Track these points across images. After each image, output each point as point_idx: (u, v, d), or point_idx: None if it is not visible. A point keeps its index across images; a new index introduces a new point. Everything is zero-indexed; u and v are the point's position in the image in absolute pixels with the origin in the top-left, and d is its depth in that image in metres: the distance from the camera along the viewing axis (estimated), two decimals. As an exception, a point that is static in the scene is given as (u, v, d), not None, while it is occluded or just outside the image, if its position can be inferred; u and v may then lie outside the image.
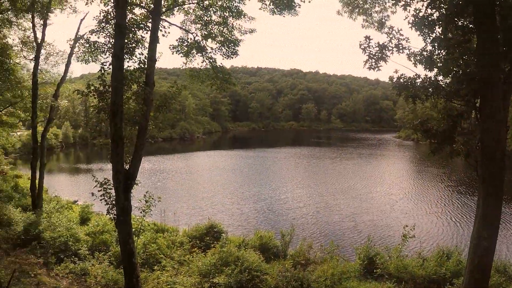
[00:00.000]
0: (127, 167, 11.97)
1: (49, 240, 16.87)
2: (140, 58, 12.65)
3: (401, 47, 11.45)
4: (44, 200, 24.26)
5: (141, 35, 13.36)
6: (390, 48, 11.50)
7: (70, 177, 52.59)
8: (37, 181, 22.98)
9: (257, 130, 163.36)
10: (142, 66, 12.56)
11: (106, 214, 12.40)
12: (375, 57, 11.56)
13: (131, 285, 12.13)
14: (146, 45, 13.44)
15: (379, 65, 11.62)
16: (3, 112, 28.71)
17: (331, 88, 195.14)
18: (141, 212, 14.65)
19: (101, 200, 12.25)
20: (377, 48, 11.50)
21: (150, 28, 13.23)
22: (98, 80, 11.84)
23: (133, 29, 13.18)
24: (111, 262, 16.16)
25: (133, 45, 12.92)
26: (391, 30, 11.53)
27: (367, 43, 11.48)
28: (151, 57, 12.62)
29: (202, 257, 16.94)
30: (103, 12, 14.79)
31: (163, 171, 52.04)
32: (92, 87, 11.85)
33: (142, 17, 14.74)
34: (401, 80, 11.61)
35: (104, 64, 11.91)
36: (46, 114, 26.66)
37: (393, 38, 11.50)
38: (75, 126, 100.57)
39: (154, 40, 12.97)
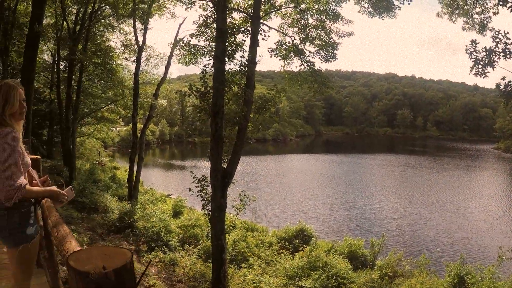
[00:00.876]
0: (225, 166, 12.37)
1: (141, 229, 17.67)
2: (241, 60, 13.04)
3: (508, 52, 10.48)
4: (139, 192, 25.46)
5: (242, 39, 13.77)
6: (497, 53, 10.59)
7: (164, 172, 54.87)
8: (134, 173, 24.19)
9: (350, 135, 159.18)
10: (243, 68, 12.92)
11: (201, 210, 12.88)
12: (481, 63, 10.71)
13: (218, 279, 12.48)
14: (245, 48, 13.84)
15: (486, 71, 10.71)
16: (105, 109, 30.66)
17: (428, 94, 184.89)
18: (234, 210, 15.02)
19: (197, 195, 12.75)
20: (484, 53, 10.63)
21: (250, 32, 13.60)
22: (199, 81, 12.30)
23: (233, 33, 13.60)
24: (200, 255, 16.66)
25: (234, 48, 13.33)
26: (497, 33, 10.61)
27: (473, 47, 10.69)
28: (252, 60, 12.95)
29: (289, 259, 16.99)
30: (202, 17, 15.34)
31: (255, 171, 52.13)
32: (194, 88, 12.36)
33: (241, 21, 15.20)
34: (509, 88, 10.88)
35: (206, 66, 12.38)
36: (145, 112, 28.20)
37: (499, 42, 10.60)
38: (171, 124, 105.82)
39: (254, 43, 13.29)
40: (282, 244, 19.13)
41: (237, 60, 13.16)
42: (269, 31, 14.86)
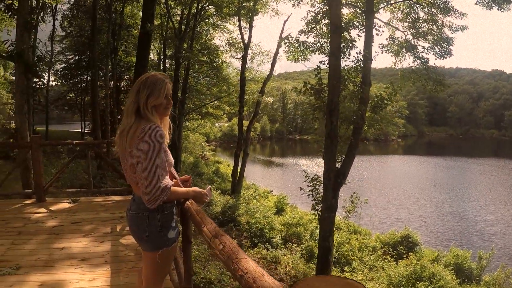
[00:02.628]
0: (338, 165, 12.05)
1: (244, 224, 17.84)
2: (357, 57, 12.60)
3: None
4: (242, 187, 25.88)
5: (357, 34, 13.32)
6: None
7: (265, 168, 55.24)
8: (238, 168, 24.57)
9: (454, 137, 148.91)
10: (359, 65, 12.49)
11: (311, 210, 12.65)
12: None
13: (323, 281, 12.18)
14: (358, 44, 13.39)
15: None
16: (209, 105, 31.50)
17: None
18: (344, 212, 14.63)
19: (308, 195, 12.53)
20: None
21: (364, 27, 13.14)
22: (314, 78, 12.07)
23: (347, 28, 13.19)
24: (302, 255, 16.49)
25: (349, 44, 12.92)
26: None
27: None
28: (367, 56, 12.49)
29: (393, 266, 16.36)
30: (310, 13, 15.07)
31: (356, 172, 49.14)
32: (309, 85, 12.14)
33: (351, 16, 14.75)
34: None
35: (322, 62, 12.11)
36: (249, 109, 28.65)
37: None
38: (272, 121, 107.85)
39: (369, 39, 12.85)
40: (386, 250, 18.43)
41: (353, 56, 12.72)
42: (384, 26, 14.26)
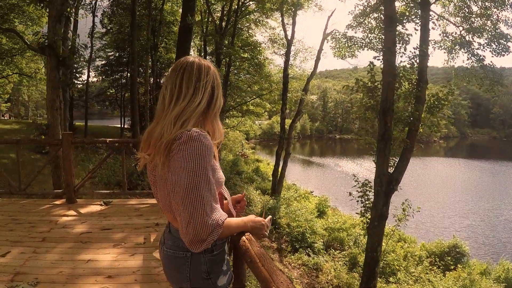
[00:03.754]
0: (390, 170, 11.15)
1: (285, 227, 17.16)
2: (414, 52, 11.62)
3: None
4: (283, 187, 25.19)
5: (414, 27, 12.26)
6: None
7: (305, 167, 54.37)
8: (279, 168, 23.92)
9: (497, 139, 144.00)
10: (414, 62, 11.52)
11: (360, 217, 11.83)
12: None
13: (367, 294, 11.43)
14: (412, 40, 12.39)
15: None
16: (250, 102, 30.99)
17: None
18: (395, 221, 13.63)
19: (357, 201, 11.71)
20: None
21: (419, 20, 12.13)
22: (367, 75, 11.23)
23: (401, 21, 12.19)
24: (345, 262, 15.68)
25: (404, 38, 11.95)
26: None
27: None
28: (424, 51, 11.48)
29: (440, 277, 15.35)
30: (358, 7, 14.33)
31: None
32: (361, 83, 11.28)
33: (404, 9, 13.78)
34: None
35: (377, 58, 11.23)
36: (291, 107, 27.94)
37: None
38: (313, 119, 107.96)
39: (425, 33, 11.86)
40: (432, 260, 17.38)
41: (409, 52, 11.75)
42: (440, 19, 13.22)
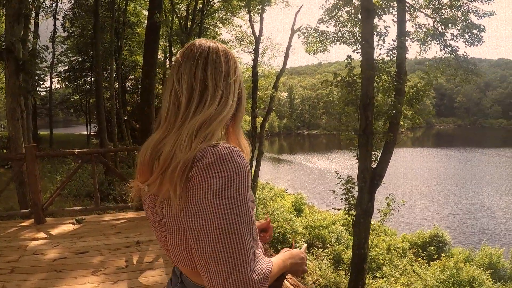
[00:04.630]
0: (374, 165, 10.90)
1: (265, 229, 16.81)
2: (392, 44, 11.38)
3: None
4: (257, 187, 24.84)
5: (393, 20, 12.06)
6: None
7: (276, 165, 54.23)
8: (253, 168, 23.54)
9: (462, 127, 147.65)
10: (392, 54, 11.28)
11: (345, 215, 11.56)
12: None
13: (356, 292, 11.20)
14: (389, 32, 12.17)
15: None
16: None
17: None
18: (380, 216, 13.41)
19: (341, 198, 11.42)
20: None
21: (396, 12, 11.94)
22: (344, 69, 10.96)
23: (379, 13, 11.97)
24: (329, 260, 15.47)
25: (381, 30, 11.71)
26: None
27: None
28: (401, 44, 11.26)
29: (425, 268, 15.32)
30: (329, 0, 14.16)
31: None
32: (339, 77, 10.98)
33: (379, 1, 13.61)
34: None
35: (356, 51, 10.97)
36: (260, 105, 27.61)
37: None
38: (280, 117, 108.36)
39: (402, 25, 11.65)
40: (415, 251, 17.37)
41: (388, 44, 11.49)
42: (415, 11, 13.09)
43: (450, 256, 16.37)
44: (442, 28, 14.21)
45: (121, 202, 12.74)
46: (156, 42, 13.79)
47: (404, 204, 13.45)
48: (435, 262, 15.78)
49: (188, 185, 1.22)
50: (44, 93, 34.75)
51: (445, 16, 14.21)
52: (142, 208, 6.20)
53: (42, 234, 6.41)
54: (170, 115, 1.37)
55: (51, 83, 32.27)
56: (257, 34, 23.79)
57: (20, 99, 9.23)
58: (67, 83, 36.47)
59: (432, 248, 17.34)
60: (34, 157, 6.93)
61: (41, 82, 27.46)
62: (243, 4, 22.88)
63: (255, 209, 1.40)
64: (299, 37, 17.68)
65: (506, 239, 22.99)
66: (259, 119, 26.83)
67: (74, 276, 4.79)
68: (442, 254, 16.41)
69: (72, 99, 37.66)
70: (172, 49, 27.60)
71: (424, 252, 17.18)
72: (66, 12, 30.95)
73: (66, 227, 6.72)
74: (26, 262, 5.28)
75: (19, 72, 8.74)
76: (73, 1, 28.54)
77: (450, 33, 14.06)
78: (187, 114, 1.32)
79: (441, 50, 14.21)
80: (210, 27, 27.39)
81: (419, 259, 16.60)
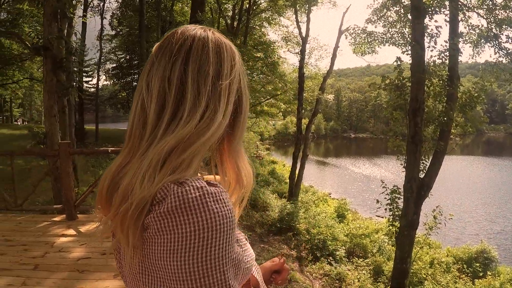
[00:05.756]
0: (421, 175, 10.29)
1: (304, 233, 16.36)
2: (445, 46, 10.71)
3: None
4: (300, 190, 24.41)
5: (445, 19, 11.39)
6: None
7: (321, 168, 53.40)
8: (297, 170, 23.17)
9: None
10: (444, 56, 10.62)
11: (389, 226, 10.98)
12: None
13: (396, 307, 10.62)
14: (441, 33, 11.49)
15: None
16: (264, 103, 30.45)
17: None
18: (426, 229, 12.72)
19: (385, 209, 10.85)
20: None
21: (448, 11, 11.26)
22: (394, 72, 10.40)
23: (431, 13, 11.33)
24: (369, 271, 14.83)
25: (433, 31, 11.07)
26: None
27: None
28: (454, 45, 10.59)
29: (470, 286, 14.50)
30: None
31: None
32: (388, 80, 10.42)
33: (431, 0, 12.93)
34: None
35: (406, 53, 10.41)
36: (306, 106, 27.27)
37: None
38: (327, 119, 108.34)
39: (454, 26, 10.99)
40: (460, 267, 16.50)
41: (440, 45, 10.85)
42: (469, 11, 12.34)
43: (497, 275, 15.45)
44: (496, 30, 13.36)
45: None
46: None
47: (452, 218, 12.70)
48: (480, 280, 14.90)
49: (144, 235, 0.87)
50: (93, 89, 35.70)
51: (500, 17, 13.37)
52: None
53: (71, 231, 6.32)
54: (134, 133, 0.99)
55: (98, 79, 33.06)
56: (303, 34, 23.55)
57: (56, 96, 9.22)
58: (115, 80, 37.27)
59: (478, 264, 16.37)
60: (67, 154, 6.88)
61: (83, 79, 28.07)
62: (289, 4, 22.62)
63: (242, 261, 1.00)
64: (346, 38, 17.27)
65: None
66: (305, 121, 26.50)
67: (96, 278, 4.63)
68: (488, 272, 15.51)
69: (120, 96, 38.41)
70: (219, 48, 27.62)
71: (469, 269, 16.23)
72: (114, 12, 31.67)
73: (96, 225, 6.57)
74: (51, 259, 5.19)
75: (56, 69, 8.69)
76: (120, 0, 29.08)
77: (505, 35, 13.19)
78: (155, 133, 0.94)
79: (495, 53, 13.35)
80: (257, 27, 27.18)
81: (464, 275, 15.70)
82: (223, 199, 0.87)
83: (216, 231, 0.83)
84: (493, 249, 17.76)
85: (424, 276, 14.82)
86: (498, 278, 14.74)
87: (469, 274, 15.92)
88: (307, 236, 16.11)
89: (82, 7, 22.19)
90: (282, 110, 33.46)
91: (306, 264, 14.71)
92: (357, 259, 15.59)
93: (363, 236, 17.24)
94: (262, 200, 18.76)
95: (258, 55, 25.02)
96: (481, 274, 15.45)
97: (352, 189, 36.50)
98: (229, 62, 1.03)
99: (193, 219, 0.82)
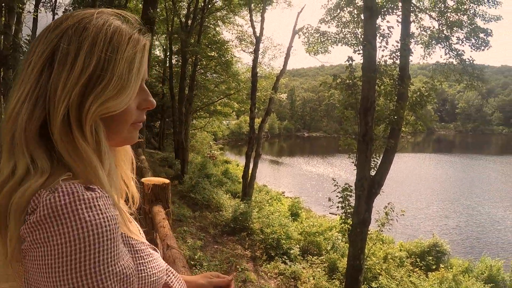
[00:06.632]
0: (372, 172, 10.43)
1: (259, 232, 16.34)
2: (396, 46, 10.91)
3: None
4: (254, 189, 24.36)
5: (397, 20, 11.60)
6: None
7: (274, 167, 53.73)
8: (250, 170, 23.10)
9: (463, 133, 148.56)
10: (395, 56, 10.82)
11: (341, 224, 11.11)
12: None
13: (350, 303, 10.78)
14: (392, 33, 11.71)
15: None
16: (218, 102, 30.38)
17: None
18: (378, 226, 12.96)
19: (337, 207, 10.96)
20: None
21: (401, 12, 11.49)
22: (345, 71, 10.49)
23: (383, 14, 11.53)
24: (324, 268, 14.95)
25: (386, 31, 11.24)
26: None
27: None
28: (405, 46, 10.80)
29: (423, 279, 14.86)
30: (331, 0, 13.79)
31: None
32: (339, 79, 10.50)
33: (383, 1, 13.17)
34: None
35: (358, 52, 10.49)
36: (260, 106, 27.30)
37: None
38: (281, 118, 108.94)
39: (406, 27, 11.24)
40: (413, 261, 16.96)
41: (392, 45, 11.08)
42: (420, 13, 12.66)
43: (449, 267, 15.96)
44: (447, 32, 13.77)
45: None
46: (149, 39, 13.36)
47: (403, 214, 13.00)
48: (434, 273, 15.36)
49: (22, 247, 0.79)
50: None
51: (451, 19, 13.80)
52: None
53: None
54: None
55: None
56: (257, 34, 23.45)
57: (3, 94, 8.70)
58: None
59: (430, 258, 16.91)
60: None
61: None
62: (244, 3, 22.58)
63: (160, 282, 0.99)
64: (299, 37, 17.31)
65: (507, 251, 22.43)
66: (258, 120, 26.53)
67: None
68: (441, 265, 15.99)
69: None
70: (173, 47, 27.59)
71: (422, 262, 16.71)
72: (66, 8, 30.67)
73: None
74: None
75: (0, 66, 8.17)
76: (73, -6, 28.26)
77: (456, 37, 13.65)
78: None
79: (446, 54, 13.82)
80: (211, 26, 27.00)
81: (417, 269, 16.11)
82: (98, 205, 0.79)
83: (89, 242, 0.75)
84: (445, 243, 18.36)
85: (379, 271, 15.05)
86: (451, 270, 15.21)
87: (422, 268, 16.33)
88: (261, 236, 16.06)
89: (34, 2, 21.16)
90: (236, 109, 33.57)
91: (260, 264, 14.63)
92: (311, 257, 15.67)
93: (317, 234, 17.33)
94: (215, 201, 18.65)
95: (212, 54, 24.93)
96: (434, 267, 15.93)
97: (305, 188, 36.88)
98: (121, 45, 0.93)
99: (63, 229, 0.74)
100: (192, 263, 11.07)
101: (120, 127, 0.97)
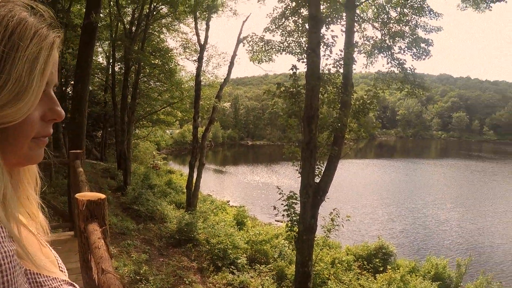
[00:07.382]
0: (317, 180, 10.47)
1: (204, 243, 16.10)
2: (340, 55, 11.05)
3: None
4: (198, 199, 24.03)
5: (340, 29, 11.80)
6: None
7: (219, 176, 53.23)
8: (194, 180, 22.78)
9: (404, 139, 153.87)
10: (339, 65, 10.94)
11: (287, 231, 11.07)
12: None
13: (301, 311, 10.75)
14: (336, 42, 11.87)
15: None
16: (161, 111, 29.90)
17: (484, 96, 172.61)
18: (324, 232, 13.03)
19: (283, 215, 10.92)
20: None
21: (345, 22, 11.69)
22: (289, 80, 10.51)
23: (326, 23, 11.65)
24: (272, 276, 14.89)
25: (330, 40, 11.37)
26: None
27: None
28: (348, 55, 10.97)
29: (371, 281, 15.12)
30: (277, 9, 13.86)
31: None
32: (283, 88, 10.50)
33: (328, 10, 13.38)
34: None
35: (302, 60, 10.57)
36: (203, 114, 27.08)
37: None
38: (224, 127, 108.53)
39: (350, 36, 11.41)
40: (360, 264, 17.23)
41: (336, 54, 11.17)
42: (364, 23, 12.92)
43: (396, 268, 16.30)
44: (390, 41, 14.15)
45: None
46: (91, 45, 12.87)
47: (349, 219, 13.17)
48: (381, 274, 15.64)
49: None
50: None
51: (393, 29, 14.19)
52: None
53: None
54: None
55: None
56: (202, 42, 23.26)
57: None
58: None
59: (377, 260, 17.20)
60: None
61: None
62: (189, 10, 22.31)
63: None
64: (244, 46, 17.28)
65: (452, 250, 23.39)
66: (202, 129, 26.27)
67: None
68: (388, 266, 16.35)
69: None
70: (116, 54, 26.84)
71: (370, 265, 16.99)
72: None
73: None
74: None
75: None
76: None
77: (398, 46, 14.05)
78: None
79: (388, 63, 14.15)
80: (155, 33, 26.55)
81: (365, 272, 16.38)
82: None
83: None
84: (391, 245, 18.78)
85: (327, 276, 15.14)
86: (398, 271, 15.50)
87: (370, 270, 16.58)
88: (207, 246, 15.84)
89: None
90: (179, 118, 33.20)
91: (208, 275, 14.39)
92: (259, 265, 15.58)
93: (263, 242, 17.26)
94: (159, 212, 18.31)
95: (156, 62, 24.68)
96: (381, 269, 16.18)
97: (250, 196, 36.84)
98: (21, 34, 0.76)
99: None
100: (138, 277, 10.73)
101: (18, 142, 0.80)
